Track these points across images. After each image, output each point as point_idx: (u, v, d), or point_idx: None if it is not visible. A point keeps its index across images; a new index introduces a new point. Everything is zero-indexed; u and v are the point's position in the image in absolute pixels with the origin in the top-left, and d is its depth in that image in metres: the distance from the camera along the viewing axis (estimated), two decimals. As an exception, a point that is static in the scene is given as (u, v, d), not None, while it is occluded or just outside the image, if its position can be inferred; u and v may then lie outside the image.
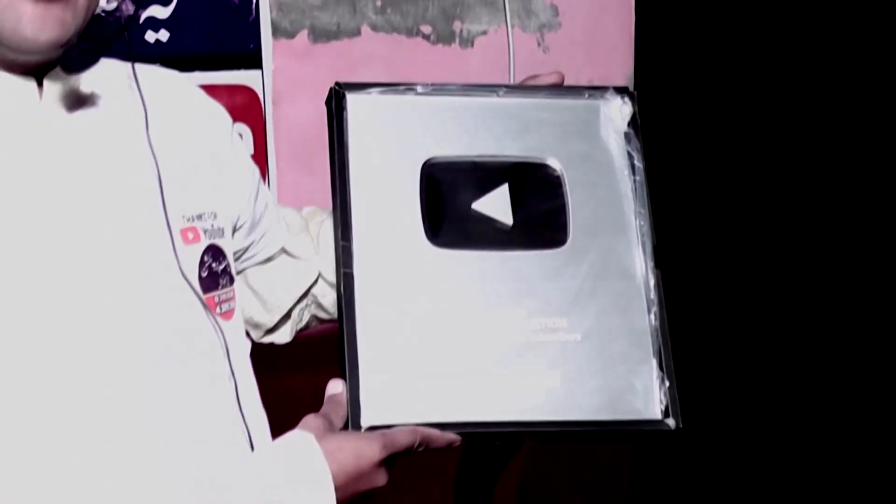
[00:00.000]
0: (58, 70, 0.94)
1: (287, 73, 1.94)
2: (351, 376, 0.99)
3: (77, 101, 0.97)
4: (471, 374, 1.02)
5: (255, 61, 1.94)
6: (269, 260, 1.21)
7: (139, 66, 1.04)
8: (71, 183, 0.94)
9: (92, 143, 0.96)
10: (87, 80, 0.98)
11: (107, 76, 1.00)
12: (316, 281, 1.22)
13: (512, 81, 2.02)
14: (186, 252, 0.99)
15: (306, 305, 1.24)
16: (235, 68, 1.93)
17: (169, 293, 0.97)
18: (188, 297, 0.99)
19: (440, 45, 2.02)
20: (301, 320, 1.25)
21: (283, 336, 1.24)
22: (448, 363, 1.01)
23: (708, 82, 2.07)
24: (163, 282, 0.97)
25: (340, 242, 1.04)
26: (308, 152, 1.95)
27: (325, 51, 1.96)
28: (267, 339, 1.24)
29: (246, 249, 1.17)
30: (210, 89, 1.89)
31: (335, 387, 0.99)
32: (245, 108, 1.93)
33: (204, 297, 1.00)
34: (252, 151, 1.94)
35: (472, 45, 2.04)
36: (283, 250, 1.21)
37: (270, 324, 1.22)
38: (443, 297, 1.04)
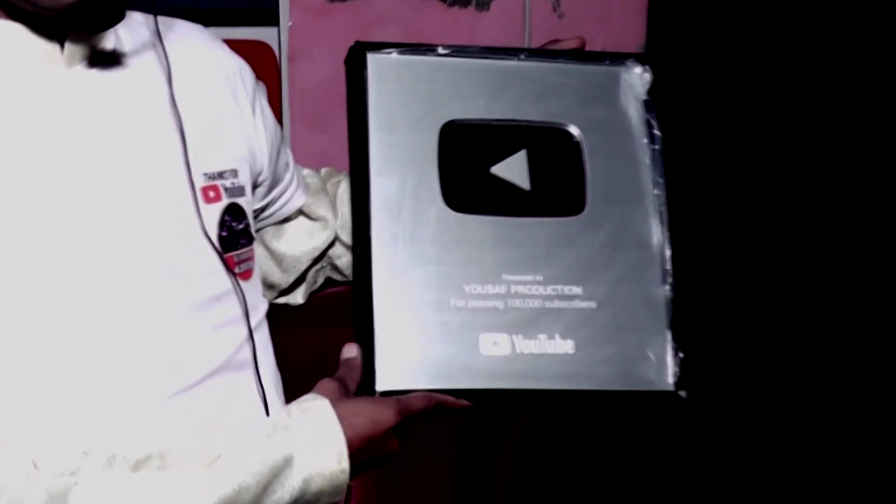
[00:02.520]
0: (80, 29, 0.94)
1: (303, 31, 1.93)
2: (365, 340, 0.99)
3: (99, 59, 0.96)
4: (485, 340, 1.02)
5: (271, 17, 1.93)
6: (286, 220, 1.21)
7: (162, 21, 1.04)
8: (93, 141, 0.94)
9: (114, 101, 0.96)
10: (108, 38, 0.98)
11: (129, 32, 1.00)
12: (333, 243, 1.22)
13: (527, 46, 2.01)
14: (207, 211, 0.99)
15: (322, 267, 1.24)
16: (252, 24, 1.92)
17: (190, 251, 0.97)
18: (209, 256, 0.99)
19: (456, 8, 2.01)
20: (316, 282, 1.25)
21: (297, 297, 1.25)
22: (462, 329, 1.02)
23: (722, 51, 2.06)
24: (184, 240, 0.97)
25: (358, 204, 1.03)
26: (322, 111, 1.94)
27: (341, 9, 1.94)
28: (281, 300, 1.24)
29: (265, 208, 1.17)
30: (228, 45, 1.90)
31: (350, 351, 0.99)
32: (260, 64, 1.91)
33: (225, 255, 1.00)
34: (266, 109, 1.93)
35: (488, 8, 2.03)
36: (301, 211, 1.21)
37: (285, 284, 1.22)
38: (458, 261, 1.04)
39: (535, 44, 2.03)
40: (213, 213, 1.00)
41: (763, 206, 2.06)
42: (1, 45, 0.91)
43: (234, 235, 1.02)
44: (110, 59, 0.97)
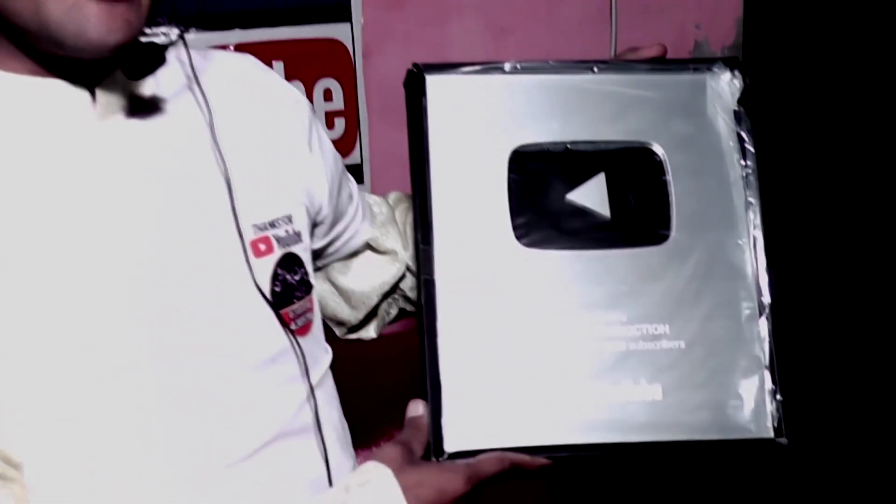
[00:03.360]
0: (113, 76, 0.87)
1: (376, 25, 1.85)
2: (433, 397, 0.91)
3: (133, 107, 0.90)
4: (564, 389, 0.93)
5: (343, 13, 1.85)
6: (353, 255, 1.14)
7: (199, 55, 0.97)
8: (133, 201, 0.87)
9: (152, 153, 0.89)
10: (147, 84, 0.90)
11: (164, 76, 0.92)
12: (404, 275, 1.14)
13: (614, 28, 1.89)
14: (259, 266, 0.92)
15: (393, 300, 1.17)
16: (323, 21, 1.84)
17: (241, 312, 0.91)
18: (262, 315, 0.92)
19: (538, -9, 1.90)
20: (388, 315, 1.18)
21: (370, 332, 1.18)
22: (539, 379, 0.93)
23: (834, 34, 1.87)
24: (234, 300, 0.90)
25: (420, 246, 0.95)
26: (400, 106, 1.85)
27: (416, 1, 1.85)
28: (353, 336, 1.18)
29: (328, 245, 1.10)
30: (297, 44, 1.83)
31: (415, 409, 0.92)
32: (334, 62, 1.84)
33: (280, 312, 0.93)
34: (343, 107, 1.86)
35: (572, -10, 1.91)
36: (368, 245, 1.14)
37: (355, 321, 1.15)
38: (533, 303, 0.95)
39: (622, 27, 1.93)
40: (265, 268, 0.93)
41: (878, 230, 1.86)
42: (30, 102, 0.84)
43: (289, 289, 0.95)
44: (147, 108, 0.90)
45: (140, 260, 0.86)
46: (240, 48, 1.78)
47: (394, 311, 1.18)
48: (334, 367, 1.05)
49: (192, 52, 0.97)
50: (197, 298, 0.88)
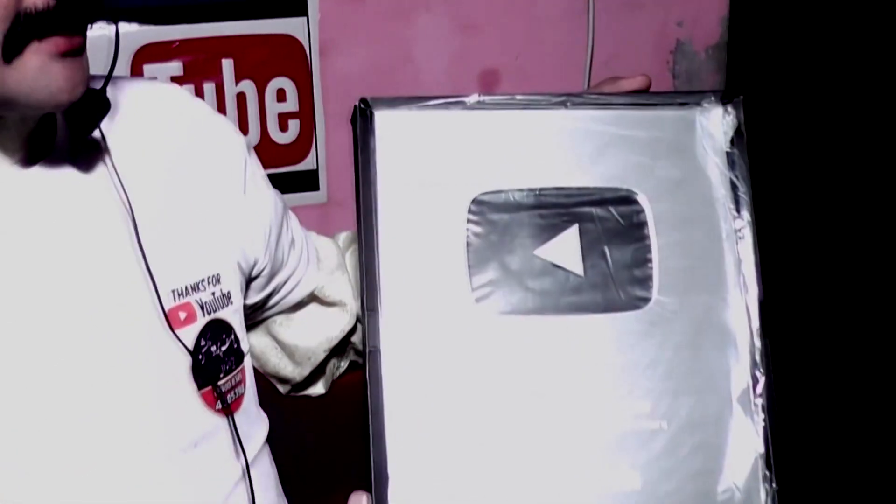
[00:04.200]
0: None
1: (334, 20, 1.72)
2: (377, 490, 0.79)
3: (57, 156, 0.79)
4: (529, 478, 0.82)
5: (298, 7, 1.72)
6: (297, 306, 1.01)
7: (112, 88, 0.84)
8: (44, 260, 0.75)
9: (67, 208, 0.78)
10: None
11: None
12: (355, 327, 1.02)
13: (591, 25, 1.77)
14: (179, 337, 0.80)
15: (344, 355, 1.04)
16: (276, 16, 1.71)
17: (158, 395, 0.78)
18: (182, 397, 0.79)
19: (509, -15, 1.77)
20: (338, 371, 1.06)
21: (317, 389, 1.06)
22: (502, 466, 0.81)
23: (824, 33, 1.74)
24: (149, 382, 0.78)
25: (365, 311, 0.83)
26: (360, 107, 1.73)
27: (376, -6, 1.73)
28: (299, 394, 1.05)
29: (268, 297, 0.97)
30: (248, 40, 1.70)
31: (358, 501, 0.80)
32: (288, 60, 1.72)
33: (202, 392, 0.81)
34: (297, 109, 1.73)
35: (547, -17, 1.78)
36: (314, 296, 1.01)
37: (300, 378, 1.03)
38: (495, 377, 0.83)
39: (600, 25, 1.80)
40: (185, 340, 0.80)
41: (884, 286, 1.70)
42: None
43: (214, 363, 0.82)
44: (62, 156, 0.78)
45: (37, 336, 0.73)
46: (186, 45, 1.65)
47: (344, 365, 1.06)
48: (272, 430, 0.93)
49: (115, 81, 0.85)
50: (102, 382, 0.75)
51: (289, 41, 1.71)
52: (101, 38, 1.60)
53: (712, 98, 0.90)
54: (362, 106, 0.87)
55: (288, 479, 0.95)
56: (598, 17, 1.77)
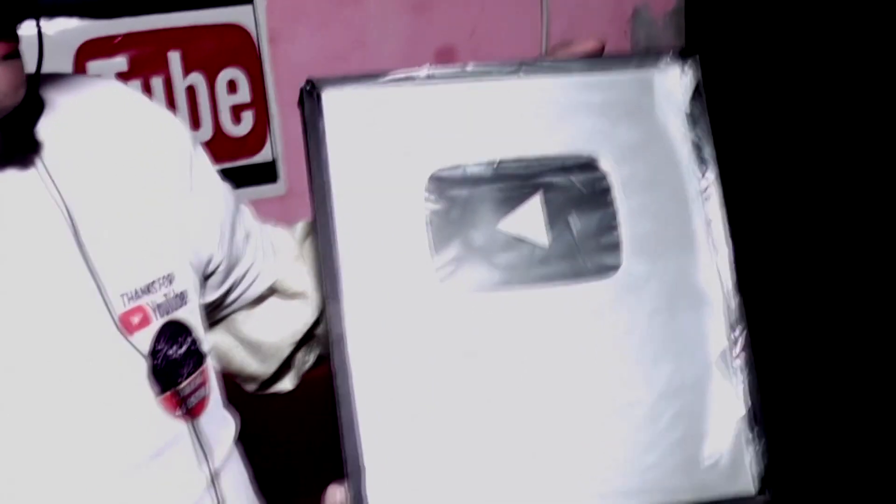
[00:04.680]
0: None
1: (283, 7, 1.68)
2: (352, 480, 0.77)
3: None
4: (510, 458, 0.79)
5: (244, -5, 1.68)
6: (259, 300, 0.98)
7: (48, 86, 0.80)
8: None
9: (7, 214, 0.74)
10: None
11: None
12: (319, 319, 0.99)
13: (545, 5, 1.74)
14: (133, 342, 0.76)
15: (311, 348, 1.01)
16: (222, 5, 1.67)
17: (113, 405, 0.75)
18: (140, 405, 0.76)
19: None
20: (305, 364, 1.03)
21: (285, 385, 1.03)
22: (479, 447, 0.79)
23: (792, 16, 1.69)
24: (102, 391, 0.75)
25: (327, 292, 0.80)
26: (315, 94, 1.69)
27: (325, -24, 1.69)
28: (268, 392, 1.02)
29: (226, 294, 0.94)
30: (195, 31, 1.66)
31: (333, 496, 0.77)
32: (237, 50, 1.68)
33: (161, 397, 0.77)
34: (249, 99, 1.69)
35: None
36: (273, 288, 0.98)
37: (267, 375, 1.00)
38: (466, 356, 0.80)
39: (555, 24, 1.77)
40: (139, 345, 0.77)
41: (863, 237, 1.66)
42: None
43: (173, 366, 0.79)
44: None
45: None
46: (130, 39, 1.60)
47: (311, 359, 1.03)
48: (244, 429, 0.90)
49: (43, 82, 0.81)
50: (52, 395, 0.72)
51: (237, 30, 1.67)
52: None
53: (669, 58, 0.88)
54: (308, 87, 0.84)
55: (263, 477, 0.92)
56: (552, -14, 1.74)
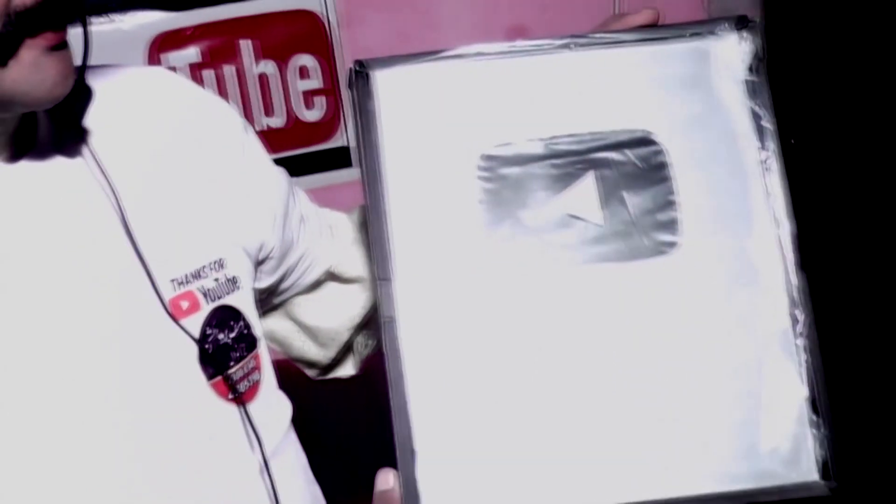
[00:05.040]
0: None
1: (353, -10, 1.68)
2: (403, 464, 0.76)
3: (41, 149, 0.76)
4: (566, 443, 0.78)
5: (314, -20, 1.68)
6: (316, 286, 0.98)
7: (97, 75, 0.81)
8: (36, 258, 0.73)
9: (56, 204, 0.75)
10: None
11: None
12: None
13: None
14: (183, 327, 0.77)
15: (370, 333, 1.01)
16: (292, -9, 1.68)
17: (162, 386, 0.76)
18: (191, 388, 0.77)
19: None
20: (366, 349, 1.02)
21: (347, 370, 1.02)
22: (533, 433, 0.78)
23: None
24: (152, 372, 0.75)
25: (378, 280, 0.79)
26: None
27: (394, -41, 1.68)
28: (329, 376, 1.02)
29: (281, 280, 0.94)
30: (266, 18, 1.67)
31: (385, 481, 0.76)
32: (308, 36, 1.68)
33: (212, 382, 0.78)
34: (321, 85, 1.70)
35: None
36: (330, 273, 0.98)
37: (327, 360, 1.00)
38: (521, 338, 0.79)
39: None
40: (190, 329, 0.77)
41: None
42: None
43: (223, 351, 0.79)
44: (46, 150, 0.76)
45: (42, 359, 0.71)
46: (201, 30, 1.62)
47: (372, 343, 1.02)
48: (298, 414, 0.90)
49: (95, 70, 0.82)
50: (104, 380, 0.72)
51: (307, 16, 1.67)
52: (116, 32, 1.59)
53: (726, 25, 0.85)
54: (358, 68, 0.84)
55: (317, 462, 0.92)
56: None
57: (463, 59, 0.84)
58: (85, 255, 0.75)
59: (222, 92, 1.65)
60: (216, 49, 1.63)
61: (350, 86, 0.84)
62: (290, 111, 1.68)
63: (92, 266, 0.75)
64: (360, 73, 0.83)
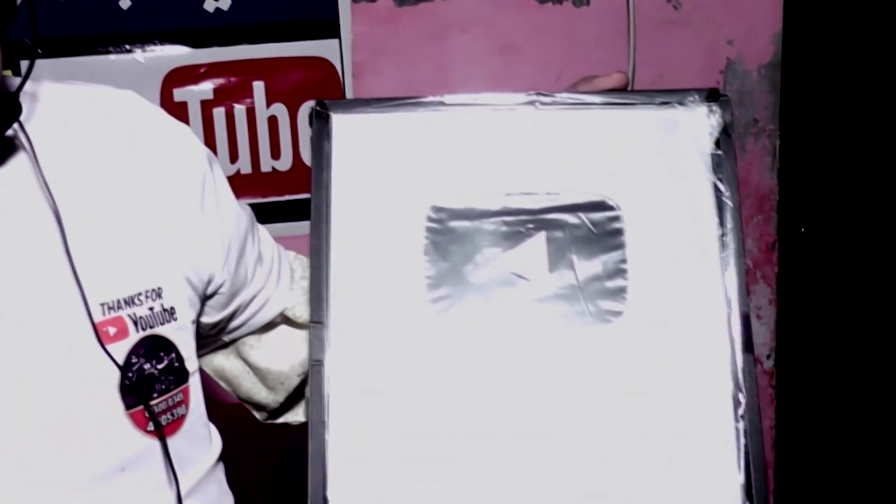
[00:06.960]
0: None
1: (368, 42, 1.68)
2: None
3: None
4: (483, 496, 0.75)
5: (331, 29, 1.68)
6: (268, 327, 0.96)
7: (60, 90, 0.81)
8: None
9: None
10: None
11: None
12: None
13: (632, 45, 1.70)
14: (108, 352, 0.75)
15: None
16: (309, 38, 1.68)
17: (81, 413, 0.74)
18: (108, 416, 0.75)
19: (549, 4, 1.71)
20: None
21: (297, 416, 1.00)
22: (458, 490, 0.75)
23: (882, 52, 1.62)
24: (72, 399, 0.74)
25: (310, 323, 0.78)
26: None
27: (412, 14, 1.68)
28: (277, 421, 1.00)
29: (231, 317, 0.92)
30: (280, 62, 1.67)
31: None
32: (321, 82, 1.68)
33: (131, 411, 0.76)
34: (331, 133, 1.69)
35: (588, 2, 1.72)
36: (285, 316, 0.96)
37: (275, 404, 0.97)
38: (454, 396, 0.77)
39: (642, 43, 1.72)
40: (115, 355, 0.76)
41: None
42: None
43: (147, 380, 0.77)
44: None
45: None
46: (216, 68, 1.63)
47: None
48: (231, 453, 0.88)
49: (55, 86, 0.82)
50: (20, 396, 0.71)
51: (321, 63, 1.68)
52: (132, 63, 1.61)
53: (696, 97, 0.84)
54: (318, 108, 0.83)
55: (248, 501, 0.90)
56: (642, 35, 1.69)
57: (425, 107, 0.83)
58: (19, 271, 0.74)
59: (231, 131, 1.65)
60: (229, 88, 1.63)
61: (310, 124, 0.84)
62: (296, 155, 1.68)
63: (25, 282, 0.73)
64: (321, 115, 0.83)
